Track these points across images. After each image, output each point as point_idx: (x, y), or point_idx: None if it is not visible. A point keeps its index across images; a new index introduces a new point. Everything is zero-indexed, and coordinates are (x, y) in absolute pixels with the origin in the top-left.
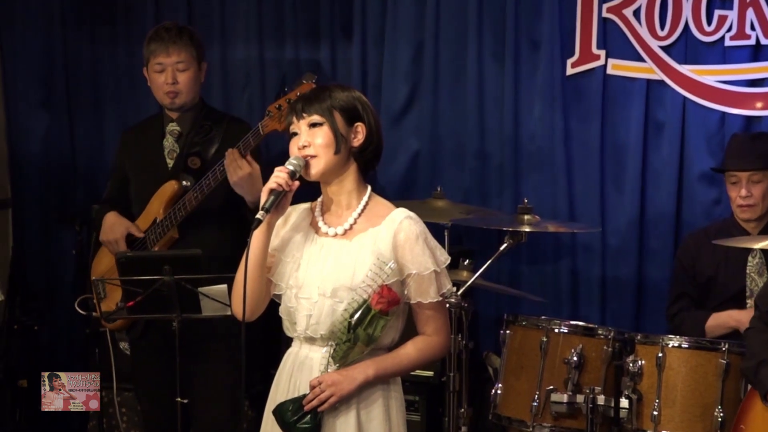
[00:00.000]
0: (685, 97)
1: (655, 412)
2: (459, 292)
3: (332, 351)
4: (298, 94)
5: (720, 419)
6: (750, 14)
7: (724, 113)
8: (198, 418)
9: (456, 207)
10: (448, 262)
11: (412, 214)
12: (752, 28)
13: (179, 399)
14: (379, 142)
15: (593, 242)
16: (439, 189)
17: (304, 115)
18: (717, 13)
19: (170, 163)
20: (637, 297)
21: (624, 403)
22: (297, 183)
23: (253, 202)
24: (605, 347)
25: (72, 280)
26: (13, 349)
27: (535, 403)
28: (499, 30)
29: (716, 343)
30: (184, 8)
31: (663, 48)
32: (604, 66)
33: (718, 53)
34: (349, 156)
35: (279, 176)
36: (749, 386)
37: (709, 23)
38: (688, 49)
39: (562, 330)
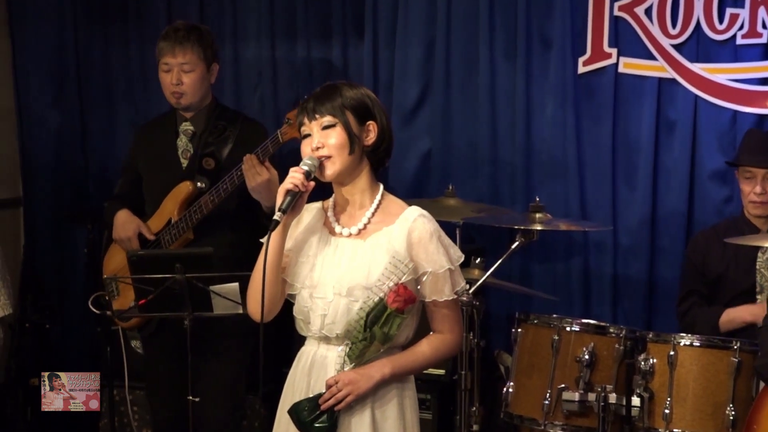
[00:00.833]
0: (696, 96)
1: (667, 411)
2: (470, 291)
3: (348, 350)
4: None
5: (731, 417)
6: (762, 13)
7: (735, 112)
8: (203, 416)
9: (467, 205)
10: (462, 259)
11: (424, 212)
12: (764, 26)
13: (190, 397)
14: (390, 140)
15: (605, 240)
16: (450, 187)
17: (317, 116)
18: (729, 11)
19: (185, 163)
20: (649, 295)
21: (635, 401)
22: (312, 184)
23: (270, 207)
24: (617, 345)
25: (83, 278)
26: (24, 347)
27: (547, 402)
28: (511, 29)
29: (728, 342)
30: (195, 6)
31: (675, 46)
32: (616, 64)
33: (730, 52)
34: (362, 155)
35: (295, 177)
36: (761, 385)
37: (721, 22)
38: (699, 47)
39: (573, 328)
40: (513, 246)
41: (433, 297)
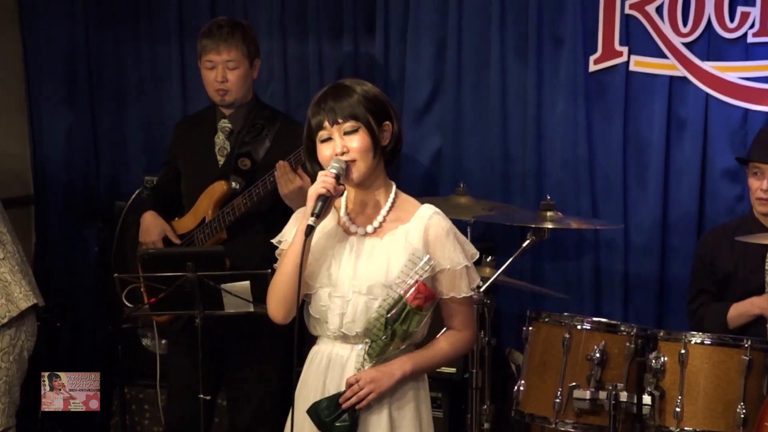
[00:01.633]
0: (707, 94)
1: (678, 409)
2: (482, 289)
3: (368, 348)
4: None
5: (742, 416)
6: None
7: (746, 110)
8: (234, 416)
9: (478, 203)
10: (477, 256)
11: (438, 209)
12: None
13: (202, 396)
14: (402, 137)
15: (616, 239)
16: (461, 185)
17: (339, 120)
18: (740, 9)
19: (221, 161)
20: (660, 293)
21: (646, 399)
22: (342, 187)
23: None
24: (628, 344)
25: (94, 276)
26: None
27: (558, 400)
28: (522, 26)
29: (739, 340)
30: (207, 3)
31: (685, 45)
32: (627, 62)
33: (741, 50)
34: (380, 156)
35: (327, 181)
36: None
37: (732, 20)
38: (710, 45)
39: (584, 327)
40: (524, 244)
41: (451, 294)
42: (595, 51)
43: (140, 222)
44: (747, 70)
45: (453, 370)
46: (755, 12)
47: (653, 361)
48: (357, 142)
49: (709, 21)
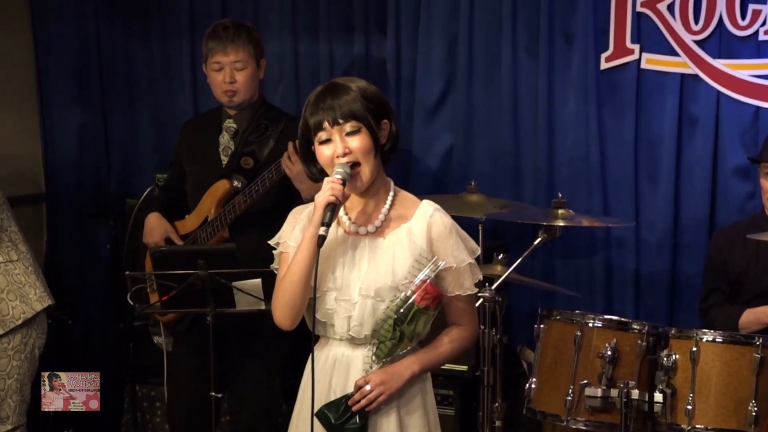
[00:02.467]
0: (719, 92)
1: (689, 407)
2: (493, 287)
3: (375, 349)
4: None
5: (754, 414)
6: None
7: (758, 108)
8: (239, 415)
9: (490, 201)
10: (479, 252)
11: (438, 206)
12: None
13: (213, 393)
14: (399, 135)
15: (627, 237)
16: (473, 183)
17: (340, 121)
18: (751, 7)
19: (224, 160)
20: (671, 291)
21: (658, 397)
22: (349, 193)
23: (308, 198)
24: (639, 341)
25: (106, 274)
26: (46, 343)
27: (569, 398)
28: (533, 24)
29: (750, 338)
30: (218, 1)
31: (697, 42)
32: (638, 60)
33: (753, 47)
34: (379, 155)
35: (335, 188)
36: None
37: (744, 17)
38: (722, 43)
39: (596, 324)
40: (535, 242)
41: (456, 292)
42: (606, 49)
43: (144, 223)
44: (758, 67)
45: (464, 367)
46: (767, 10)
47: (665, 358)
48: (358, 143)
49: (720, 19)
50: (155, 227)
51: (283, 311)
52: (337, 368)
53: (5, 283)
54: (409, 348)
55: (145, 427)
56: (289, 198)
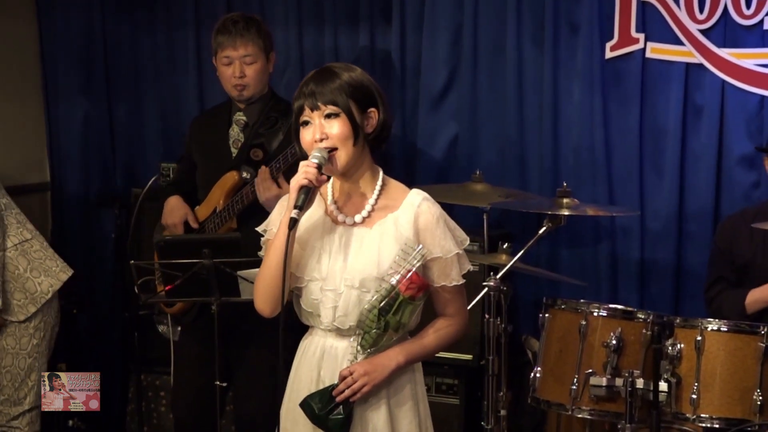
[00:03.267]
0: (724, 81)
1: (694, 396)
2: (498, 276)
3: (360, 339)
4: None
5: (759, 403)
6: None
7: (763, 97)
8: (242, 404)
9: (495, 190)
10: (468, 242)
11: (427, 195)
12: None
13: (218, 383)
14: (390, 125)
15: (632, 226)
16: (478, 173)
17: (319, 105)
18: None
19: (234, 152)
20: (676, 280)
21: (663, 386)
22: (325, 177)
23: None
24: (644, 331)
25: (111, 264)
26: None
27: (574, 387)
28: (538, 13)
29: (755, 327)
30: None
31: (702, 31)
32: (643, 49)
33: (758, 36)
34: (363, 143)
35: (309, 171)
36: None
37: (749, 6)
38: (727, 32)
39: (601, 313)
40: (540, 231)
41: (442, 282)
42: (611, 38)
43: (164, 205)
44: (764, 56)
45: (469, 357)
46: None
47: (670, 348)
48: (337, 129)
49: (725, 8)
50: (175, 208)
51: (263, 298)
52: (326, 359)
53: (26, 262)
54: (394, 339)
55: (150, 416)
56: None
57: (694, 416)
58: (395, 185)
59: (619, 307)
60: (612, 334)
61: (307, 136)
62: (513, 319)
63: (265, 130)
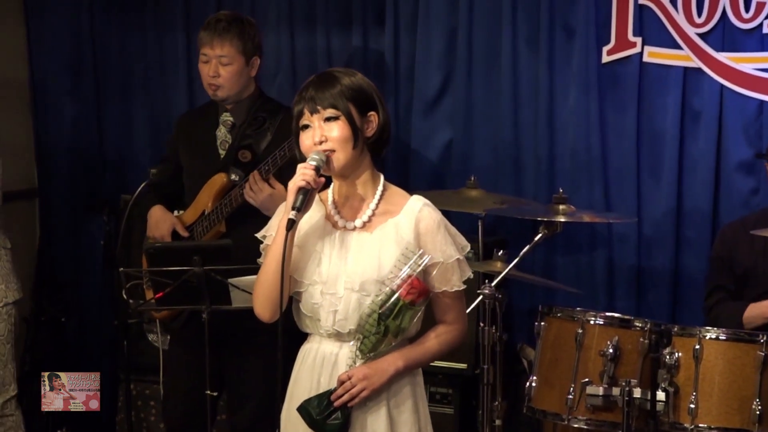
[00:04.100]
0: (722, 85)
1: (692, 405)
2: (493, 284)
3: (360, 344)
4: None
5: (758, 412)
6: None
7: (761, 101)
8: (237, 412)
9: (490, 196)
10: (468, 248)
11: (428, 201)
12: None
13: (209, 392)
14: (390, 129)
15: (629, 232)
16: (472, 178)
17: (319, 108)
18: None
19: (222, 153)
20: (674, 288)
21: (660, 395)
22: (323, 180)
23: None
24: (641, 339)
25: (100, 270)
26: (40, 341)
27: (571, 396)
28: (534, 17)
29: (754, 335)
30: None
31: (700, 35)
32: (641, 53)
33: (756, 41)
34: (363, 147)
35: (306, 173)
36: None
37: (747, 10)
38: (725, 36)
39: (597, 322)
40: (536, 238)
41: (443, 288)
42: (608, 41)
43: (148, 217)
44: (762, 61)
45: (464, 365)
46: None
47: (667, 356)
48: (336, 132)
49: (723, 11)
50: (161, 220)
51: (262, 303)
52: (325, 366)
53: None
54: (394, 344)
55: (140, 425)
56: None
57: (692, 426)
58: (396, 191)
59: (616, 315)
60: (609, 342)
61: (306, 139)
62: (508, 327)
63: (252, 130)
